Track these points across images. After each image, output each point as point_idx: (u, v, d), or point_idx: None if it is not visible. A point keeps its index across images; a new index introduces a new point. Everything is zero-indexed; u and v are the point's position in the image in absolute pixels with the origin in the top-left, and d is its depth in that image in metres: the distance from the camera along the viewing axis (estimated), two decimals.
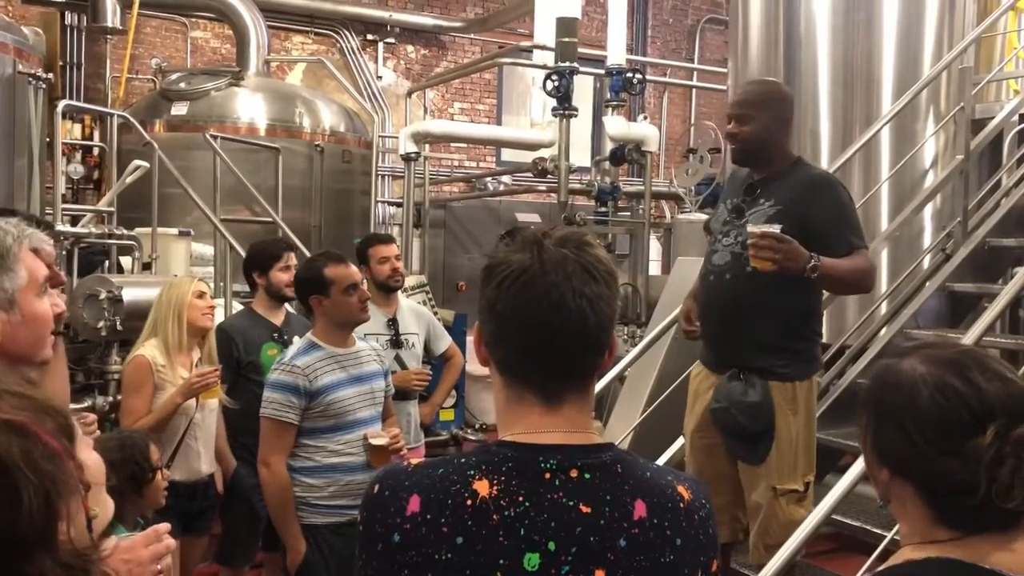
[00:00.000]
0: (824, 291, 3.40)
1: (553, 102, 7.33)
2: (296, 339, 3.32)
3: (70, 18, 8.48)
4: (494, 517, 1.13)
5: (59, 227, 4.86)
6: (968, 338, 3.46)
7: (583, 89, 8.61)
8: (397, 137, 8.70)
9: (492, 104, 10.91)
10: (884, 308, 4.95)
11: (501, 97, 10.94)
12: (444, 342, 4.40)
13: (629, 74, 8.01)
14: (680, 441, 3.75)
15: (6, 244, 1.59)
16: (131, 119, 6.25)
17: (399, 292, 4.21)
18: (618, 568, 1.14)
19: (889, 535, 2.98)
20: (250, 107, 7.59)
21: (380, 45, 10.18)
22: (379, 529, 1.16)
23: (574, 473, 1.16)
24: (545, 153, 7.68)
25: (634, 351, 4.31)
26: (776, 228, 2.88)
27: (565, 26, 7.34)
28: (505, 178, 10.11)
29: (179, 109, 7.43)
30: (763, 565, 2.84)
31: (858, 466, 2.88)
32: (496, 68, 10.41)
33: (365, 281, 3.74)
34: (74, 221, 5.75)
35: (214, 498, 3.69)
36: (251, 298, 4.30)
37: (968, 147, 4.91)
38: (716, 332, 3.23)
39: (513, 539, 1.12)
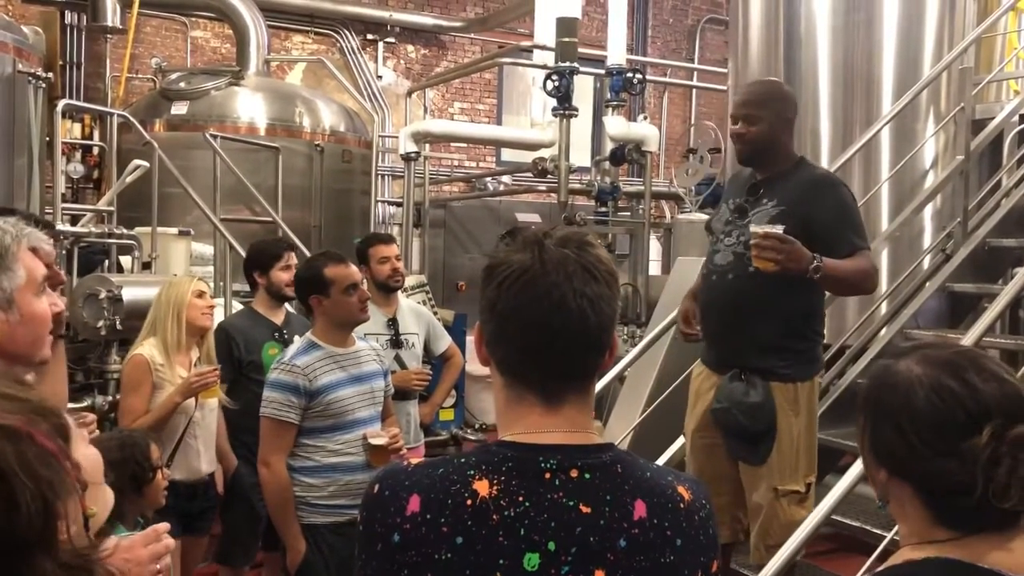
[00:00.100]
0: (826, 292, 3.39)
1: (553, 102, 7.33)
2: (297, 338, 3.32)
3: (70, 17, 8.48)
4: (494, 517, 1.13)
5: (59, 226, 4.85)
6: (968, 338, 3.46)
7: (583, 89, 8.60)
8: (397, 137, 8.70)
9: (492, 104, 10.92)
10: (884, 308, 4.95)
11: (501, 97, 10.94)
12: (444, 342, 4.40)
13: (629, 74, 8.01)
14: (680, 441, 3.75)
15: (4, 243, 1.59)
16: (131, 118, 6.26)
17: (399, 292, 4.21)
18: (618, 568, 1.13)
19: (889, 535, 2.98)
20: (250, 107, 7.59)
21: (380, 45, 10.18)
22: (379, 529, 1.16)
23: (574, 473, 1.16)
24: (545, 153, 7.68)
25: (634, 351, 4.31)
26: (779, 228, 2.87)
27: (565, 26, 7.34)
28: (505, 178, 10.11)
29: (179, 109, 7.43)
30: (764, 565, 2.84)
31: (858, 466, 2.88)
32: (496, 68, 10.41)
33: (365, 281, 3.74)
34: (74, 220, 5.76)
35: (214, 498, 3.68)
36: (250, 298, 4.31)
37: (968, 147, 4.91)
38: (718, 332, 3.22)
39: (513, 539, 1.12)
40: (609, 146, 8.12)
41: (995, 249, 4.88)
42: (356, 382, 3.14)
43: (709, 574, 1.20)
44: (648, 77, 9.92)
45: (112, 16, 7.94)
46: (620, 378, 4.67)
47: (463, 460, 1.18)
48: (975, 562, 1.18)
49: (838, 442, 4.15)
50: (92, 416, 2.53)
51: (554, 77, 7.14)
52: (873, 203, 4.94)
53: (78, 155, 7.64)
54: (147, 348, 3.46)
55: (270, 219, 6.53)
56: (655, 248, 9.20)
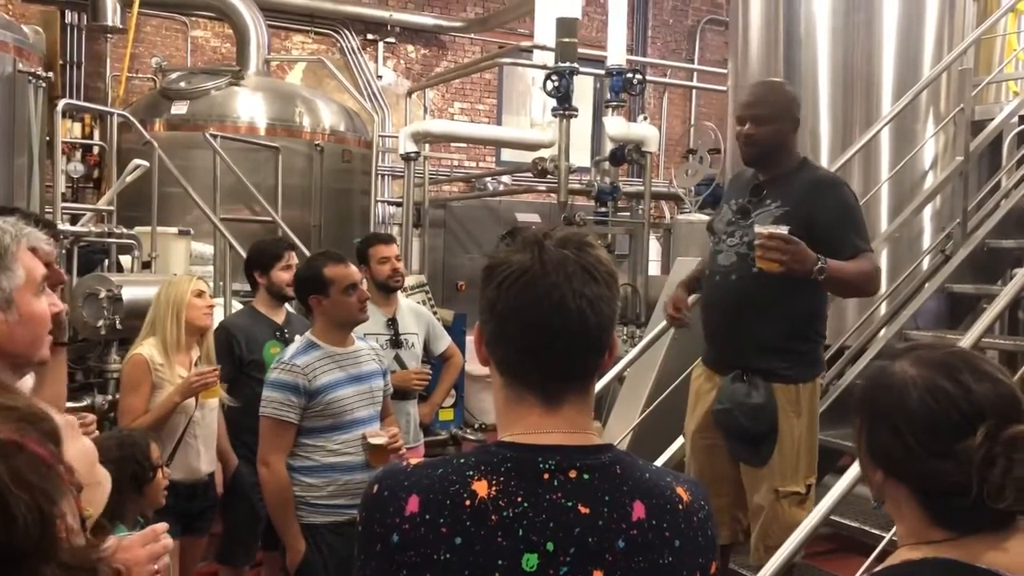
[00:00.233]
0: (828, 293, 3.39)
1: (553, 102, 7.33)
2: (297, 338, 3.32)
3: (70, 17, 8.48)
4: (493, 517, 1.13)
5: (59, 226, 4.85)
6: (967, 339, 3.46)
7: (583, 89, 8.61)
8: (397, 137, 8.69)
9: (492, 104, 10.91)
10: (883, 309, 4.96)
11: (501, 97, 10.93)
12: (443, 342, 4.40)
13: (629, 74, 8.01)
14: (679, 441, 3.75)
15: (4, 243, 1.58)
16: (131, 118, 6.25)
17: (399, 292, 4.21)
18: (616, 569, 1.14)
19: (888, 536, 2.98)
20: (250, 106, 7.59)
21: (380, 45, 10.18)
22: (378, 529, 1.16)
23: (573, 474, 1.16)
24: (545, 153, 7.68)
25: (633, 351, 4.31)
26: (784, 229, 2.86)
27: (565, 26, 7.34)
28: (505, 178, 10.11)
29: (179, 108, 7.43)
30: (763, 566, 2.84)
31: (856, 467, 2.88)
32: (496, 68, 10.41)
33: (365, 281, 3.74)
34: (74, 220, 5.76)
35: (214, 498, 3.68)
36: (250, 297, 4.31)
37: (968, 148, 4.92)
38: (720, 333, 3.21)
39: (511, 540, 1.12)
40: (609, 146, 8.12)
41: (994, 250, 4.88)
42: (355, 382, 3.15)
43: (708, 575, 1.21)
44: (648, 77, 9.92)
45: (112, 16, 7.93)
46: (619, 378, 4.67)
47: (462, 460, 1.18)
48: (971, 562, 1.18)
49: (837, 443, 4.15)
50: (92, 416, 2.54)
51: (554, 77, 7.14)
52: (873, 204, 4.94)
53: (78, 154, 7.64)
54: (147, 348, 3.46)
55: (270, 219, 6.53)
56: (655, 248, 9.20)
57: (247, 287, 4.45)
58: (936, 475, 1.18)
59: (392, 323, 4.07)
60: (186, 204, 6.08)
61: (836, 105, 5.20)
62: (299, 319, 4.01)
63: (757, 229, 2.92)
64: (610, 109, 8.14)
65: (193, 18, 9.26)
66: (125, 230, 5.43)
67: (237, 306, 5.08)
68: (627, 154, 7.92)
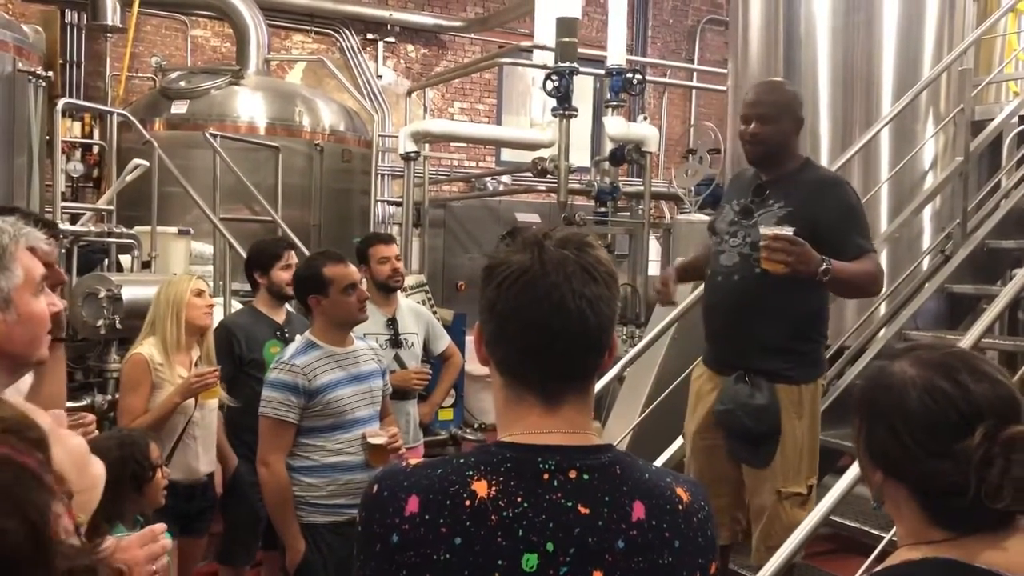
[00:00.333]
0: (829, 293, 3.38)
1: (553, 102, 7.33)
2: (298, 337, 3.32)
3: (70, 16, 8.48)
4: (492, 518, 1.13)
5: (59, 225, 4.85)
6: (967, 340, 3.46)
7: (583, 89, 8.61)
8: (397, 136, 8.69)
9: (492, 104, 10.92)
10: (883, 309, 4.95)
11: (501, 97, 10.94)
12: (443, 342, 4.40)
13: (629, 74, 8.01)
14: (679, 441, 3.75)
15: (2, 243, 1.58)
16: (131, 117, 6.25)
17: (398, 292, 4.21)
18: (616, 569, 1.14)
19: (887, 536, 2.98)
20: (250, 106, 7.59)
21: (380, 44, 10.18)
22: (378, 529, 1.16)
23: (573, 474, 1.16)
24: (545, 153, 7.68)
25: (633, 351, 4.31)
26: (789, 230, 2.85)
27: (565, 26, 7.34)
28: (505, 178, 10.11)
29: (179, 108, 7.43)
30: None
31: (856, 467, 2.88)
32: (496, 68, 10.41)
33: (364, 281, 3.74)
34: (73, 219, 5.76)
35: (212, 499, 3.67)
36: (250, 297, 4.31)
37: (968, 149, 4.92)
38: (722, 333, 3.20)
39: (511, 540, 1.12)
40: (609, 146, 8.13)
41: (994, 250, 4.88)
42: (355, 381, 3.15)
43: (707, 575, 1.21)
44: (648, 77, 9.92)
45: (112, 15, 7.93)
46: (619, 378, 4.67)
47: (462, 460, 1.18)
48: (971, 562, 1.18)
49: (836, 443, 4.16)
50: (92, 416, 2.53)
51: (554, 77, 7.14)
52: (872, 204, 4.94)
53: (78, 154, 7.63)
54: (146, 347, 3.45)
55: (270, 218, 6.53)
56: (654, 248, 9.19)
57: (247, 287, 4.45)
58: (935, 475, 1.18)
59: (392, 323, 4.07)
60: (186, 204, 6.08)
61: (836, 105, 5.20)
62: (300, 319, 4.01)
63: (763, 231, 2.91)
64: (610, 109, 8.15)
65: (193, 17, 9.26)
66: (125, 230, 5.43)
67: (237, 306, 5.08)
68: (627, 154, 7.92)
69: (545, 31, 7.84)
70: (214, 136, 6.56)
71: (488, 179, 10.28)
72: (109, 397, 4.69)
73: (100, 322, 4.50)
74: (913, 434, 1.20)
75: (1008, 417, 1.17)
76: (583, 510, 1.14)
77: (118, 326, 4.52)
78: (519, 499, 1.14)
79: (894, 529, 1.53)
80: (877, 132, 4.79)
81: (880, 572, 1.25)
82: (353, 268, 3.28)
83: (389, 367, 3.67)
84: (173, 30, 9.28)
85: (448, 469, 1.17)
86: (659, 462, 3.71)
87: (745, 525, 3.28)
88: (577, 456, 1.17)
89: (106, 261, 5.37)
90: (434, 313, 5.38)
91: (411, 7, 10.31)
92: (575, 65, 7.21)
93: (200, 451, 3.52)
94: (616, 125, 8.02)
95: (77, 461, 1.18)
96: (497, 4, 10.53)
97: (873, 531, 3.77)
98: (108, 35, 8.42)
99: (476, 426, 7.13)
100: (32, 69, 5.40)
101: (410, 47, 10.44)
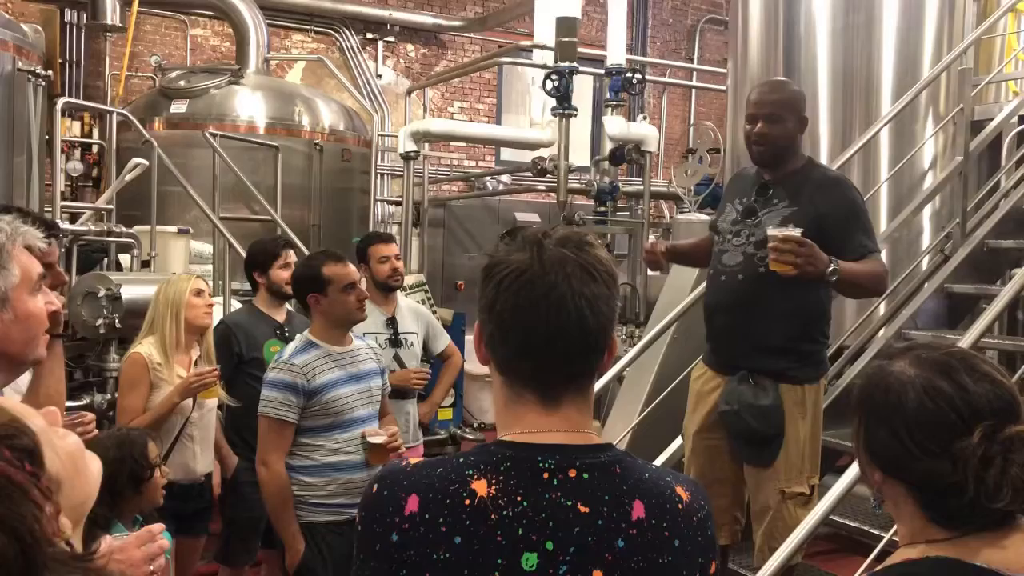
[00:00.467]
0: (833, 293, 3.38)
1: (553, 102, 7.33)
2: (297, 337, 3.32)
3: (70, 15, 8.47)
4: (492, 517, 1.13)
5: (58, 225, 4.85)
6: (966, 340, 3.45)
7: (583, 89, 8.61)
8: (396, 136, 8.70)
9: (492, 103, 10.91)
10: (883, 309, 4.95)
11: (501, 96, 10.93)
12: (443, 341, 4.40)
13: (629, 74, 8.00)
14: (679, 441, 3.74)
15: None
16: (130, 117, 6.25)
17: (398, 291, 4.21)
18: (616, 569, 1.14)
19: (887, 536, 2.98)
20: (250, 105, 7.59)
21: (380, 44, 10.18)
22: (377, 529, 1.16)
23: (572, 473, 1.16)
24: (544, 153, 7.68)
25: (633, 351, 4.31)
26: (797, 231, 2.84)
27: (565, 26, 7.33)
28: (504, 177, 10.11)
29: (178, 107, 7.43)
30: None
31: (856, 467, 2.87)
32: (496, 67, 10.41)
33: (364, 280, 3.73)
34: (73, 219, 5.76)
35: (210, 499, 3.67)
36: (250, 296, 4.31)
37: (967, 148, 4.91)
38: (725, 333, 3.19)
39: (511, 539, 1.12)
40: (608, 146, 8.12)
41: (994, 250, 4.88)
42: (354, 381, 3.14)
43: (707, 575, 1.21)
44: (647, 77, 9.92)
45: (112, 14, 7.93)
46: (619, 378, 4.67)
47: (462, 460, 1.18)
48: (970, 560, 1.19)
49: (836, 442, 4.15)
50: (91, 415, 2.53)
51: (553, 77, 7.14)
52: (872, 204, 4.92)
53: (77, 153, 7.64)
54: (145, 347, 3.45)
55: (269, 218, 6.53)
56: None
57: (247, 286, 4.44)
58: (934, 474, 1.19)
59: (391, 322, 4.07)
60: (185, 203, 6.08)
61: (836, 105, 5.20)
62: (300, 318, 4.00)
63: (770, 232, 2.89)
64: (610, 109, 8.14)
65: (193, 17, 9.26)
66: (124, 229, 5.43)
67: (237, 305, 5.08)
68: (626, 154, 7.92)
69: (545, 31, 7.83)
70: (214, 135, 6.56)
71: (488, 179, 10.28)
72: (108, 396, 4.69)
73: (99, 321, 4.50)
74: (912, 434, 1.20)
75: (1007, 417, 1.17)
76: (583, 509, 1.14)
77: (117, 325, 4.51)
78: (519, 498, 1.14)
79: (894, 529, 1.54)
80: (877, 132, 4.79)
81: (880, 571, 1.25)
82: (352, 267, 3.28)
83: (388, 367, 3.67)
84: (173, 29, 9.28)
85: (448, 468, 1.17)
86: (659, 462, 3.71)
87: (744, 525, 3.28)
88: (577, 455, 1.17)
89: (106, 260, 5.37)
90: (434, 313, 5.38)
91: (411, 7, 10.31)
92: (575, 65, 7.20)
93: (198, 451, 3.52)
94: (616, 125, 8.02)
95: (72, 461, 1.17)
96: (497, 4, 10.53)
97: (873, 531, 3.77)
98: (108, 34, 8.42)
99: (476, 426, 7.12)
100: (32, 68, 5.40)
101: (410, 47, 10.43)
